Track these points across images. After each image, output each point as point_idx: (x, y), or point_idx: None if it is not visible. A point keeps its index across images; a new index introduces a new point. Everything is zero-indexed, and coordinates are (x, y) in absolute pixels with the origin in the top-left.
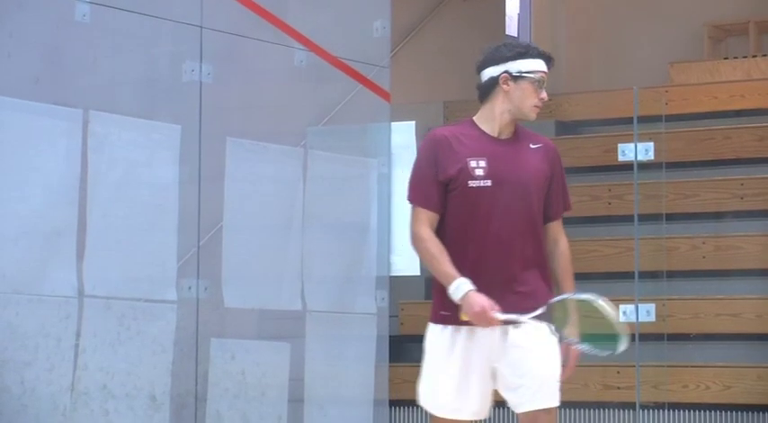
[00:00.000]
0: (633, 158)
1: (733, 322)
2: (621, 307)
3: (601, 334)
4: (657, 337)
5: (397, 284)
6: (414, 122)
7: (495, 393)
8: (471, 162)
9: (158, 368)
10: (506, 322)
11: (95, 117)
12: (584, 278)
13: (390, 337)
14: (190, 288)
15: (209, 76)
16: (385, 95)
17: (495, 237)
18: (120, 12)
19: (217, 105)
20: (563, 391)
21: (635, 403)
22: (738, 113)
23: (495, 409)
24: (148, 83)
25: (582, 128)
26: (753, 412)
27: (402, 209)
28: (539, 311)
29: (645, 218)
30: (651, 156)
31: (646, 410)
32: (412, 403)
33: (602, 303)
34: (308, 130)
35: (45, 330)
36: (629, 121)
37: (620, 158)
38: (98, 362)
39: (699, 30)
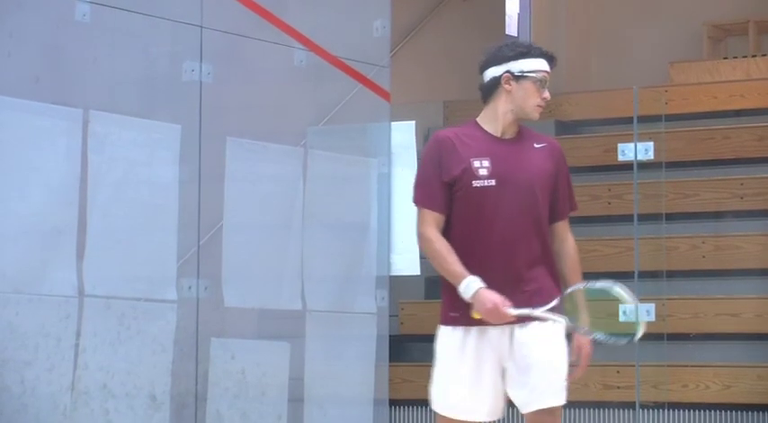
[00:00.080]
0: (633, 158)
1: (733, 322)
2: (621, 307)
3: (618, 322)
4: (657, 337)
5: (397, 284)
6: (414, 122)
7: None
8: (475, 162)
9: (158, 368)
10: (519, 317)
11: (95, 117)
12: (583, 278)
13: (390, 336)
14: (190, 288)
15: (209, 75)
16: (385, 95)
17: (500, 236)
18: (120, 11)
19: (217, 105)
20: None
21: (635, 403)
22: (738, 113)
23: (509, 409)
24: (148, 82)
25: (582, 128)
26: (753, 412)
27: (402, 208)
28: (552, 304)
29: (645, 217)
30: (651, 155)
31: (645, 410)
32: (412, 403)
33: (620, 290)
34: (308, 129)
35: (45, 330)
36: (628, 120)
37: (620, 158)
38: (98, 361)
39: (698, 29)
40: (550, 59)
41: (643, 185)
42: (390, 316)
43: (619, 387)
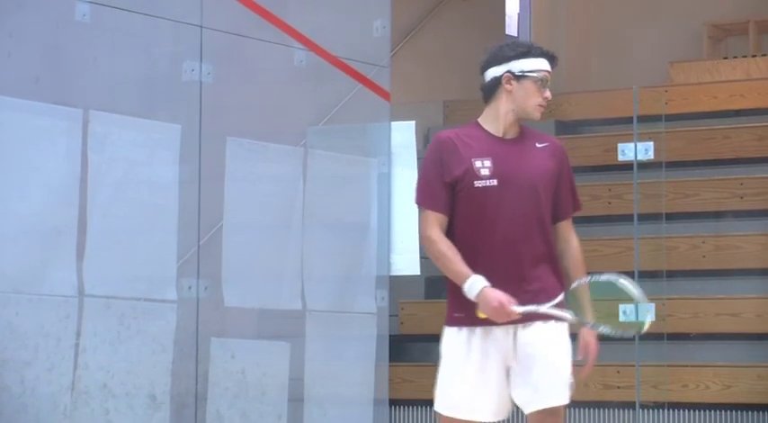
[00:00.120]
0: (633, 158)
1: (733, 322)
2: (621, 306)
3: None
4: (657, 337)
5: (396, 284)
6: (414, 122)
7: None
8: (476, 162)
9: (158, 367)
10: (523, 317)
11: (95, 117)
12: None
13: (390, 336)
14: (190, 287)
15: (209, 75)
16: (385, 95)
17: (503, 236)
18: (121, 11)
19: (217, 105)
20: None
21: (635, 403)
22: (738, 113)
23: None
24: (148, 82)
25: (582, 127)
26: (753, 412)
27: (402, 208)
28: (557, 300)
29: (644, 217)
30: (651, 155)
31: (645, 410)
32: (412, 403)
33: (625, 281)
34: (308, 129)
35: (45, 330)
36: (628, 120)
37: (620, 158)
38: (98, 361)
39: (698, 29)
40: (551, 59)
41: (643, 185)
42: (390, 316)
43: (619, 387)
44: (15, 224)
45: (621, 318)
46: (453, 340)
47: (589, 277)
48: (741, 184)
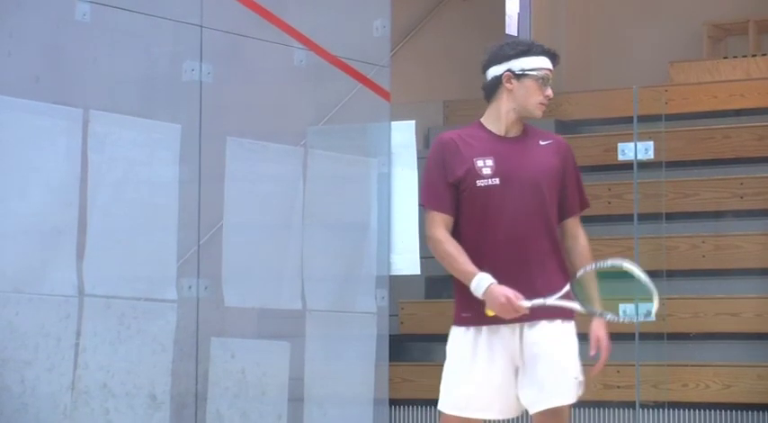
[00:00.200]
0: (633, 158)
1: (733, 321)
2: (621, 306)
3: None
4: (657, 337)
5: (397, 284)
6: (414, 122)
7: None
8: (478, 162)
9: (158, 367)
10: (530, 316)
11: (95, 116)
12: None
13: (390, 336)
14: (190, 287)
15: (209, 75)
16: (385, 95)
17: (507, 234)
18: (121, 11)
19: (217, 105)
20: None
21: (635, 402)
22: (738, 113)
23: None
24: (148, 82)
25: (582, 127)
26: (753, 411)
27: (402, 208)
28: (563, 291)
29: (644, 217)
30: (651, 155)
31: (646, 410)
32: (412, 402)
33: (629, 265)
34: (308, 129)
35: (45, 329)
36: (628, 120)
37: (620, 158)
38: (98, 361)
39: (698, 29)
40: (553, 57)
41: (643, 185)
42: (390, 316)
43: (619, 387)
44: (15, 224)
45: (621, 317)
46: (460, 340)
47: (594, 264)
48: (741, 183)
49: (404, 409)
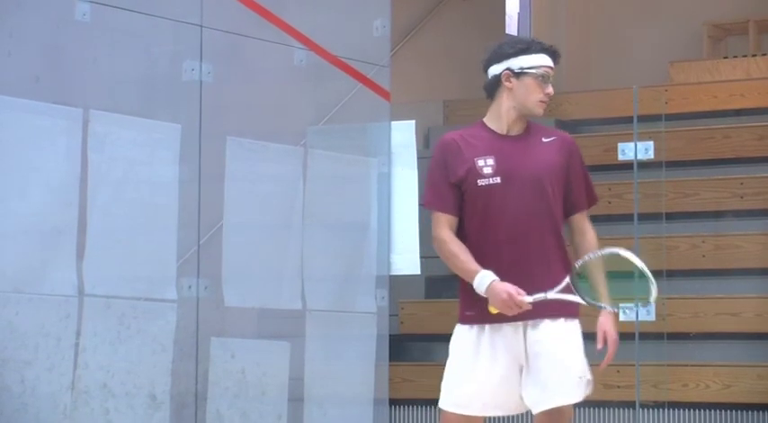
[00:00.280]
0: (633, 157)
1: (733, 321)
2: (621, 305)
3: (632, 285)
4: (657, 337)
5: (397, 283)
6: (414, 121)
7: None
8: (479, 161)
9: (158, 367)
10: (532, 315)
11: (95, 116)
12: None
13: (390, 336)
14: (190, 287)
15: (210, 75)
16: (385, 94)
17: (510, 233)
18: (121, 11)
19: (217, 104)
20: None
21: (635, 402)
22: (738, 113)
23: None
24: (148, 82)
25: (582, 127)
26: (753, 411)
27: (402, 208)
28: (563, 284)
29: (645, 217)
30: (651, 155)
31: (646, 409)
32: (412, 402)
33: (626, 253)
34: (308, 129)
35: (45, 329)
36: (628, 120)
37: (620, 158)
38: (98, 361)
39: (698, 29)
40: (553, 54)
41: (643, 185)
42: (390, 315)
43: (619, 386)
44: (15, 224)
45: (621, 317)
46: (463, 337)
47: (591, 255)
48: (741, 183)
49: (404, 409)
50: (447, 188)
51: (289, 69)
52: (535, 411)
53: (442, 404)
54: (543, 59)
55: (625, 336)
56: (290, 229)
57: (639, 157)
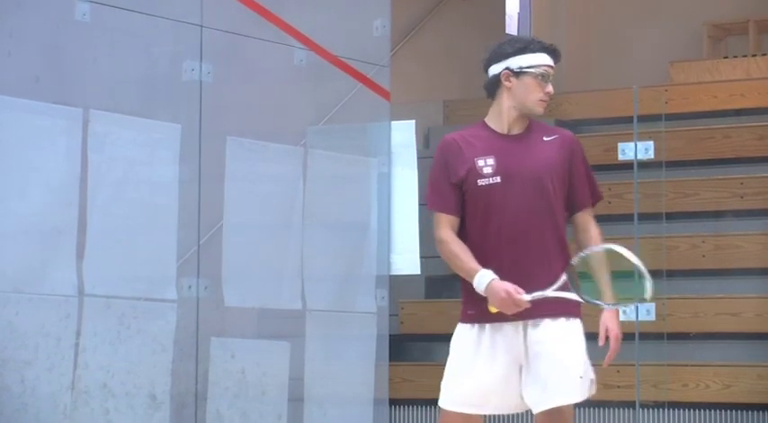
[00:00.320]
0: (633, 157)
1: (733, 321)
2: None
3: (628, 281)
4: (657, 337)
5: (397, 283)
6: (414, 121)
7: None
8: (479, 161)
9: (158, 367)
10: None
11: (95, 116)
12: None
13: (390, 336)
14: (190, 287)
15: (209, 75)
16: (385, 94)
17: (510, 232)
18: (121, 11)
19: (217, 104)
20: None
21: (635, 402)
22: (738, 112)
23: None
24: (148, 82)
25: (582, 127)
26: (753, 411)
27: (402, 208)
28: (560, 282)
29: (645, 217)
30: (651, 155)
31: (645, 409)
32: (412, 402)
33: (619, 249)
34: (308, 129)
35: (45, 329)
36: (628, 120)
37: (620, 157)
38: (98, 361)
39: (698, 29)
40: (553, 53)
41: (643, 185)
42: (390, 315)
43: (619, 386)
44: (15, 224)
45: (621, 317)
46: (464, 336)
47: (588, 251)
48: (741, 183)
49: (404, 409)
50: (448, 189)
51: (289, 69)
52: (535, 411)
53: (441, 402)
54: (543, 58)
55: (625, 336)
56: (290, 229)
57: (639, 157)
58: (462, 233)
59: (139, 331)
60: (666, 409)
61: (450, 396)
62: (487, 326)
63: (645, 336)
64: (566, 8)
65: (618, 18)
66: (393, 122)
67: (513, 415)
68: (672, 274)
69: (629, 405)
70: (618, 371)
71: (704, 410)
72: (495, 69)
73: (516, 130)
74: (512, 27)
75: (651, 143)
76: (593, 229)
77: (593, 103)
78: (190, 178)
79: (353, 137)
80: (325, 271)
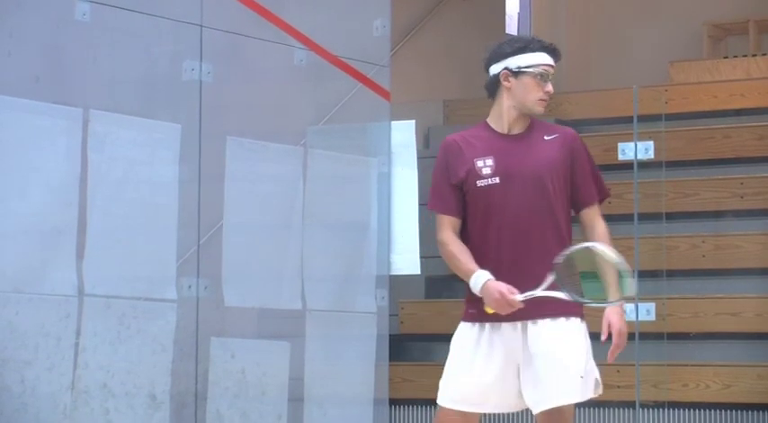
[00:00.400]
0: (633, 157)
1: (733, 321)
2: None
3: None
4: (657, 336)
5: (397, 283)
6: (414, 121)
7: None
8: (478, 162)
9: (158, 367)
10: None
11: (95, 116)
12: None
13: (390, 335)
14: (190, 287)
15: (209, 74)
16: (385, 94)
17: (510, 232)
18: (121, 11)
19: (217, 104)
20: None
21: (635, 402)
22: (738, 112)
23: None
24: (148, 82)
25: (582, 127)
26: (753, 411)
27: (402, 208)
28: (548, 282)
29: (645, 217)
30: (651, 155)
31: (646, 409)
32: (412, 402)
33: (602, 246)
34: (308, 129)
35: (45, 329)
36: (628, 120)
37: (620, 157)
38: (98, 361)
39: (698, 29)
40: (553, 52)
41: (643, 185)
42: (390, 315)
43: (619, 386)
44: (15, 224)
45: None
46: (464, 335)
47: (570, 249)
48: (741, 183)
49: (404, 409)
50: (449, 190)
51: (289, 69)
52: (535, 411)
53: (439, 399)
54: (542, 58)
55: None
56: (290, 229)
57: (639, 157)
58: (464, 234)
59: (139, 331)
60: (666, 409)
61: (449, 394)
62: (487, 325)
63: (645, 336)
64: (566, 8)
65: (618, 18)
66: (393, 122)
67: (513, 415)
68: (672, 274)
69: (629, 405)
70: (618, 371)
71: (704, 410)
72: (494, 69)
73: (517, 130)
74: (512, 27)
75: (651, 143)
76: (600, 226)
77: (593, 103)
78: (190, 178)
79: (353, 137)
80: (325, 271)
